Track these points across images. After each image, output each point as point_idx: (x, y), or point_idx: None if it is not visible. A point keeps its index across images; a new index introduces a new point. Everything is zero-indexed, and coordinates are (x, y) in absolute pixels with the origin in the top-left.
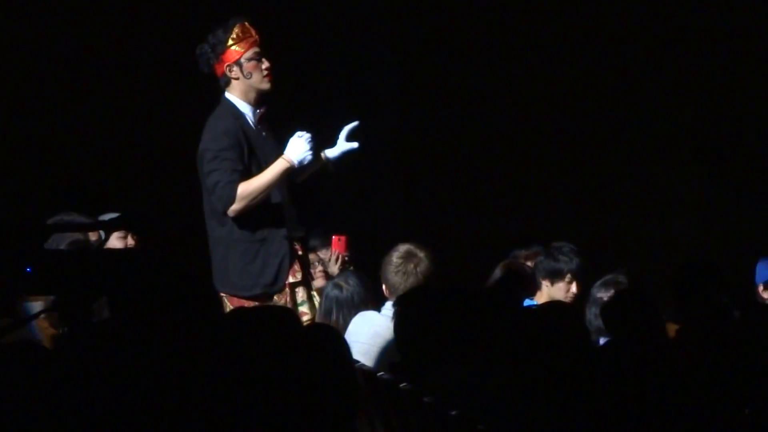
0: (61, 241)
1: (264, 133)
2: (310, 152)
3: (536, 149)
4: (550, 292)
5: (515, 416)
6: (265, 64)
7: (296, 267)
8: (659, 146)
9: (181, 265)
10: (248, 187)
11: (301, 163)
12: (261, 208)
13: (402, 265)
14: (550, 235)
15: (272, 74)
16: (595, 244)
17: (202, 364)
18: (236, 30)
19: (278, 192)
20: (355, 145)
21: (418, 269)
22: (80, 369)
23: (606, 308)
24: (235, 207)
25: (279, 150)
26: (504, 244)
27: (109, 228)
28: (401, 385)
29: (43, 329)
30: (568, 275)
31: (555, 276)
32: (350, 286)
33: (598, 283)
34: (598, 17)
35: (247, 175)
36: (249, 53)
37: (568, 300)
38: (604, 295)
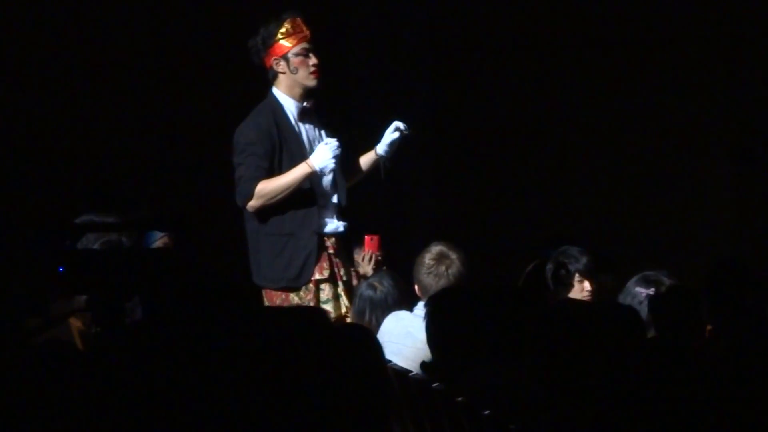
0: (93, 241)
1: (306, 129)
2: (333, 160)
3: (569, 147)
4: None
5: (547, 416)
6: (313, 61)
7: (324, 264)
8: (693, 146)
9: (215, 265)
10: (267, 186)
11: (322, 170)
12: (291, 202)
13: (434, 266)
14: (582, 233)
15: (320, 71)
16: (628, 243)
17: (234, 366)
18: (287, 24)
19: (313, 187)
20: (396, 134)
21: (450, 271)
22: (113, 370)
23: (654, 302)
24: (252, 203)
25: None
26: (536, 243)
27: (142, 227)
28: (433, 385)
29: (75, 328)
30: (576, 275)
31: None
32: (384, 287)
33: (638, 276)
34: (631, 16)
35: (275, 171)
36: (297, 48)
37: (585, 299)
38: (642, 290)
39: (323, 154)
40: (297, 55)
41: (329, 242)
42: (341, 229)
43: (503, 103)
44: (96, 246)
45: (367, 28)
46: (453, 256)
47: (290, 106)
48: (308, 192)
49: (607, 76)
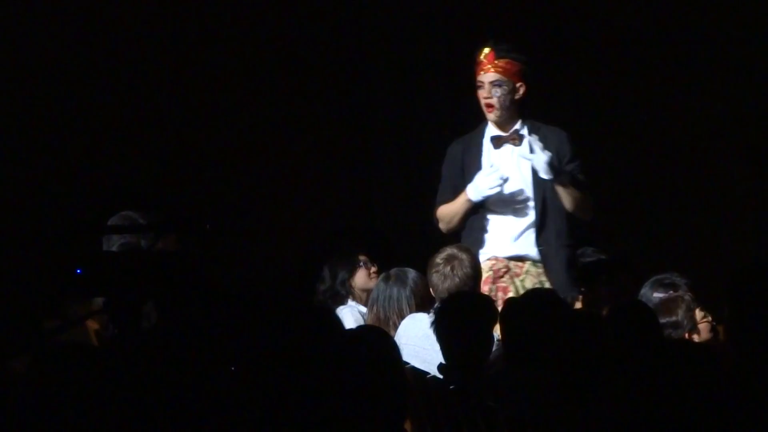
0: (113, 243)
1: (499, 153)
2: (491, 189)
3: (585, 150)
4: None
5: (567, 418)
6: (483, 95)
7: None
8: (711, 146)
9: (230, 268)
10: (441, 211)
11: (477, 200)
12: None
13: (441, 266)
14: (601, 236)
15: (492, 107)
16: (647, 245)
17: (249, 368)
18: (480, 53)
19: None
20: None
21: (456, 272)
22: (129, 371)
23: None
24: (440, 226)
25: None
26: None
27: (163, 230)
28: (451, 387)
29: (92, 330)
30: None
31: None
32: (398, 282)
33: (651, 281)
34: (648, 18)
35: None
36: (477, 80)
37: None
38: (661, 295)
39: (480, 184)
40: (476, 87)
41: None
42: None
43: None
44: (114, 248)
45: (387, 30)
46: (462, 257)
47: (490, 128)
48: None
49: (625, 77)
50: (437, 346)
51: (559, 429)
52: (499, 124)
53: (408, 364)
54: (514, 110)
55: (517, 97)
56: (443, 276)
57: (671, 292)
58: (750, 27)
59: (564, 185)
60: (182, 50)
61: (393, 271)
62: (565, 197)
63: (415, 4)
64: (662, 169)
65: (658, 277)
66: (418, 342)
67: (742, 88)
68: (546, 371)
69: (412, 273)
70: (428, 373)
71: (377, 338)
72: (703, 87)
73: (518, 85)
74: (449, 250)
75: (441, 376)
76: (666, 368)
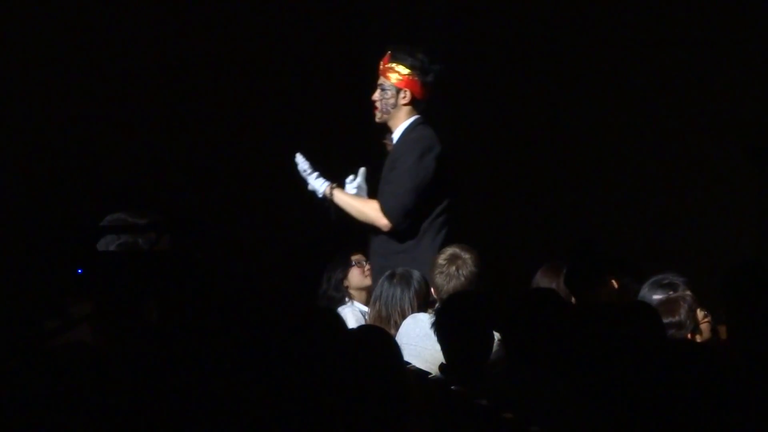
0: (110, 243)
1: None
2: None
3: (583, 150)
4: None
5: (569, 418)
6: (373, 96)
7: None
8: (708, 146)
9: (230, 267)
10: None
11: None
12: None
13: (446, 266)
14: (601, 236)
15: (375, 107)
16: (645, 246)
17: (250, 367)
18: None
19: None
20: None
21: (460, 271)
22: (129, 371)
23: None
24: None
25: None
26: (553, 247)
27: (163, 230)
28: (452, 387)
29: (90, 329)
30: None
31: None
32: (403, 280)
33: (650, 282)
34: (646, 17)
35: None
36: None
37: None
38: (661, 296)
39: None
40: None
41: None
42: None
43: (518, 106)
44: (113, 248)
45: (385, 28)
46: (465, 256)
47: None
48: None
49: (623, 77)
50: (438, 346)
51: (560, 430)
52: (388, 127)
53: (409, 364)
54: (399, 115)
55: (402, 102)
56: (448, 276)
57: (671, 292)
58: (750, 26)
59: (332, 196)
60: (182, 50)
61: (398, 270)
62: None
63: (414, 8)
64: (662, 168)
65: (658, 277)
66: (420, 342)
67: (742, 87)
68: (547, 371)
69: (417, 274)
70: (430, 373)
71: (379, 338)
72: (703, 86)
73: (404, 91)
74: (451, 250)
75: (442, 376)
76: (671, 369)
